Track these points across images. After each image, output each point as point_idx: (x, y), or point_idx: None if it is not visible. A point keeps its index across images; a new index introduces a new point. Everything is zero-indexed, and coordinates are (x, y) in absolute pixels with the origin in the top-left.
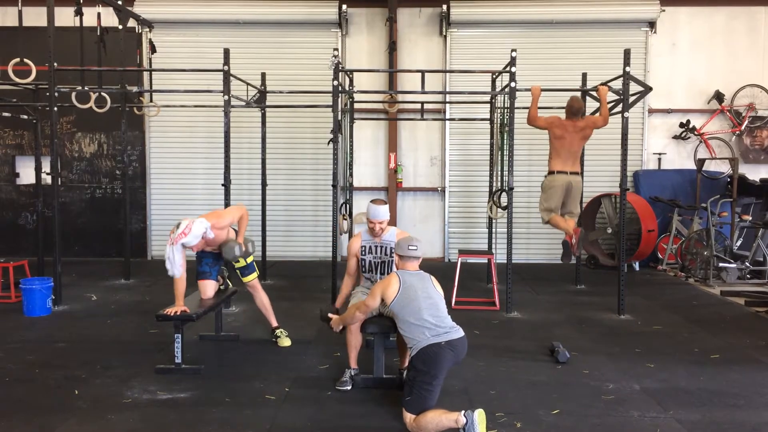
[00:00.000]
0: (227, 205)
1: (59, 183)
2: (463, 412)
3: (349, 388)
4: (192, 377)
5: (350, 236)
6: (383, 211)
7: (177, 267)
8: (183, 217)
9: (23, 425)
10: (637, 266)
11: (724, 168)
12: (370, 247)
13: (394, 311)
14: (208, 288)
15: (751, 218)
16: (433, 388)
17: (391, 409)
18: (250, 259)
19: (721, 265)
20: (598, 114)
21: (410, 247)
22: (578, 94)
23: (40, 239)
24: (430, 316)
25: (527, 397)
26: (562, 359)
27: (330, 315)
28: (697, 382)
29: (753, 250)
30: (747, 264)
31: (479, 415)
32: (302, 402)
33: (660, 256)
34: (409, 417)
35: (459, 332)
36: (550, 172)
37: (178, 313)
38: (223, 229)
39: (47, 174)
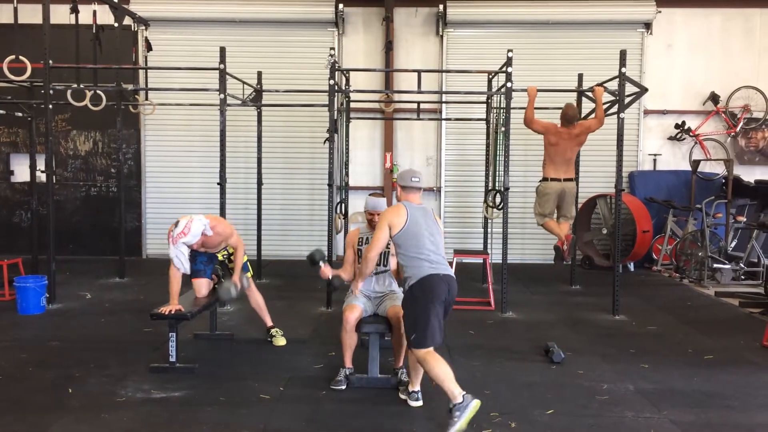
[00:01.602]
0: (223, 203)
1: (54, 181)
2: (464, 393)
3: (344, 387)
4: (186, 376)
5: (345, 236)
6: (382, 203)
7: (185, 264)
8: (180, 215)
9: (16, 424)
10: (632, 267)
11: (719, 169)
12: (368, 238)
13: (397, 243)
14: (203, 287)
15: (745, 219)
16: (433, 317)
17: (386, 409)
18: (244, 259)
19: (715, 266)
20: (592, 116)
21: (413, 179)
22: (573, 100)
23: (34, 237)
24: (431, 252)
25: (522, 397)
26: (556, 359)
27: (327, 271)
28: (691, 383)
29: (747, 251)
30: (741, 265)
31: (475, 405)
32: (297, 402)
33: (655, 256)
34: (420, 352)
35: (452, 271)
36: (544, 179)
37: (173, 312)
38: (220, 234)
39: (42, 172)
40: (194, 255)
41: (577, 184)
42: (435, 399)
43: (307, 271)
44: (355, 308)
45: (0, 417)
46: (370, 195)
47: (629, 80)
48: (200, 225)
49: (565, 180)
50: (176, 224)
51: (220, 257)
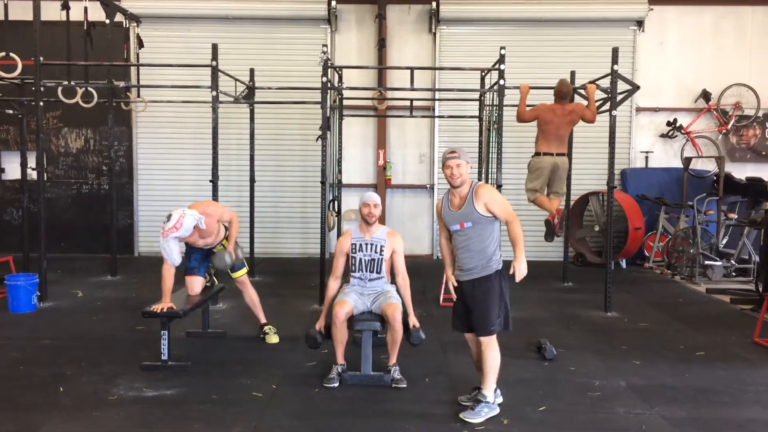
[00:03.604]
0: (216, 201)
1: (45, 178)
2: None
3: (336, 385)
4: (179, 374)
5: (338, 233)
6: (375, 195)
7: (174, 256)
8: (173, 209)
9: (7, 423)
10: (624, 264)
11: (711, 166)
12: (361, 245)
13: (495, 225)
14: (195, 284)
15: (736, 216)
16: None
17: (379, 407)
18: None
19: (706, 262)
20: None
21: None
22: (567, 78)
23: (25, 235)
24: None
25: (514, 393)
26: (549, 356)
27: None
28: (682, 379)
29: (738, 248)
30: (732, 262)
31: (497, 412)
32: (290, 399)
33: (647, 253)
34: (491, 339)
35: None
36: (537, 153)
37: (165, 310)
38: (212, 217)
39: (33, 169)
40: (189, 252)
41: (570, 161)
42: (429, 393)
43: (300, 268)
44: (345, 303)
45: None
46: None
47: (621, 78)
48: (192, 220)
49: (558, 155)
50: (169, 217)
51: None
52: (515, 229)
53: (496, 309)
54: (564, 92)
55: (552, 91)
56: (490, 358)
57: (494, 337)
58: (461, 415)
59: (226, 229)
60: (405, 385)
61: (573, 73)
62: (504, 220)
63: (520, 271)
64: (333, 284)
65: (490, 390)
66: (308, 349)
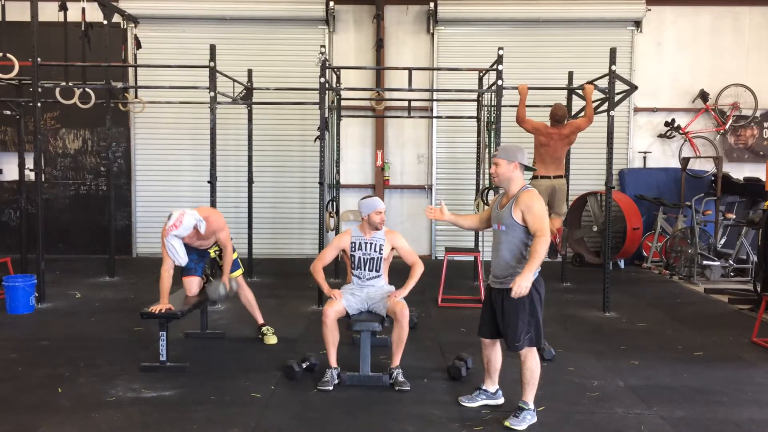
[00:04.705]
0: (213, 202)
1: (43, 179)
2: None
3: (330, 388)
4: (177, 375)
5: (336, 234)
6: (381, 201)
7: (180, 256)
8: (173, 209)
9: (5, 424)
10: (622, 264)
11: (709, 167)
12: (360, 244)
13: (526, 235)
14: (193, 285)
15: (734, 216)
16: None
17: (378, 408)
18: (234, 256)
19: (705, 263)
20: (582, 114)
21: (528, 156)
22: (563, 98)
23: (23, 236)
24: None
25: (512, 394)
26: (547, 356)
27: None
28: (680, 379)
29: (736, 249)
30: (731, 262)
31: (535, 419)
32: (288, 400)
33: (645, 254)
34: (532, 351)
35: None
36: (534, 177)
37: (163, 311)
38: (211, 225)
39: (30, 170)
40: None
41: (568, 182)
42: (429, 394)
43: (298, 269)
44: (336, 302)
45: None
46: (365, 198)
47: (619, 78)
48: (192, 219)
49: (555, 177)
50: (169, 217)
51: (212, 253)
52: (538, 245)
53: (524, 326)
54: (559, 116)
55: (550, 93)
56: (528, 371)
57: (533, 349)
58: (506, 422)
59: (219, 263)
60: (409, 388)
61: (571, 74)
62: (533, 231)
63: (519, 286)
64: (318, 264)
65: (530, 398)
66: (307, 351)
